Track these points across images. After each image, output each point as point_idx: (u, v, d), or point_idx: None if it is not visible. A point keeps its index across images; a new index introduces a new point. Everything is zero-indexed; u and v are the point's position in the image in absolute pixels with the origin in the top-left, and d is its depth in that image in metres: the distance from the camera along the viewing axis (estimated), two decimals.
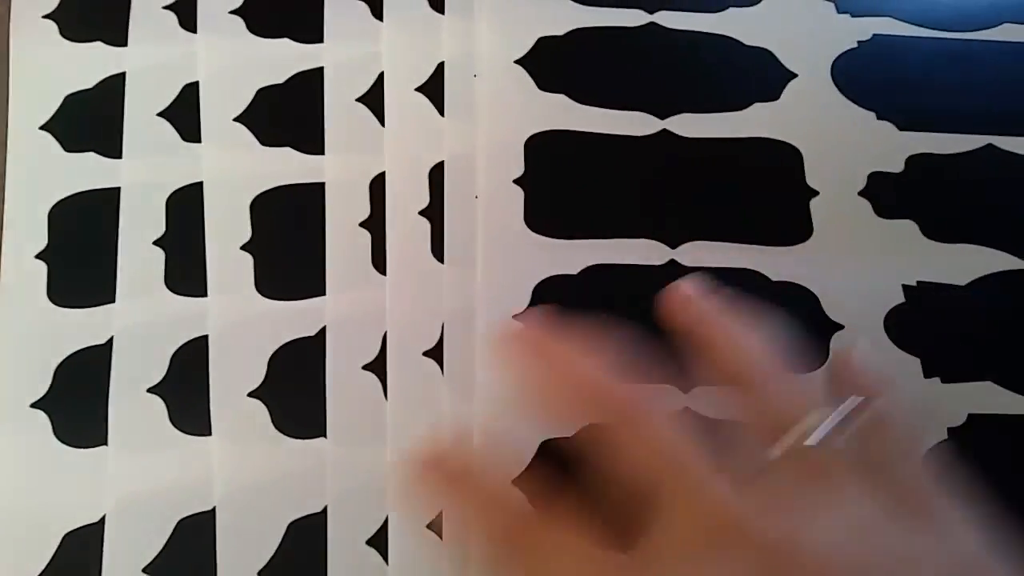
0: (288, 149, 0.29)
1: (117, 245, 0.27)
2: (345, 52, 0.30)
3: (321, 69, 0.30)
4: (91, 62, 0.30)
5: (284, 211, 0.28)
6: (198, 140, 0.29)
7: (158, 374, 0.26)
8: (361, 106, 0.29)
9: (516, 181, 0.28)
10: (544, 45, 0.30)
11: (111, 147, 0.29)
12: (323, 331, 0.27)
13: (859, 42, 0.31)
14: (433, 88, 0.29)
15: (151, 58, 0.30)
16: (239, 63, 0.30)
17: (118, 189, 0.28)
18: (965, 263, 0.28)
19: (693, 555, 0.17)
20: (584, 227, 0.28)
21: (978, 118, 0.30)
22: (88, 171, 0.28)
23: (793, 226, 0.28)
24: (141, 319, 0.27)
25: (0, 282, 0.27)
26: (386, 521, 0.25)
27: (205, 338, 0.26)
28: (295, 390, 0.26)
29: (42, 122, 0.29)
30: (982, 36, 0.31)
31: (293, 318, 0.27)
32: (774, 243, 0.28)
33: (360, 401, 0.26)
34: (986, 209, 0.29)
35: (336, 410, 0.26)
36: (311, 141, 0.29)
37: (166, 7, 0.30)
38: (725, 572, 0.17)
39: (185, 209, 0.28)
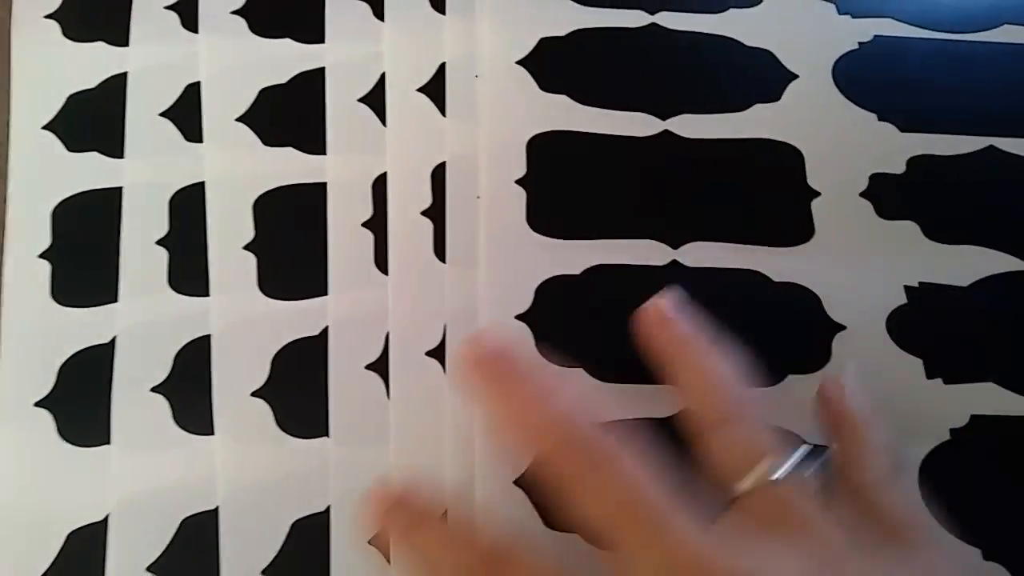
0: (290, 149, 0.29)
1: (120, 245, 0.27)
2: (347, 52, 0.30)
3: (323, 69, 0.30)
4: (93, 62, 0.30)
5: (286, 211, 0.28)
6: (200, 140, 0.29)
7: (161, 373, 0.26)
8: (363, 106, 0.29)
9: (518, 181, 0.28)
10: (546, 46, 0.30)
11: (114, 147, 0.29)
12: (326, 331, 0.27)
13: (860, 43, 0.31)
14: (435, 88, 0.29)
15: (153, 58, 0.30)
16: (241, 63, 0.30)
17: (121, 189, 0.28)
18: (967, 264, 0.28)
19: None
20: (586, 227, 0.28)
21: (979, 119, 0.30)
22: (91, 171, 0.28)
23: (795, 227, 0.28)
24: (144, 319, 0.27)
25: (3, 281, 0.27)
26: None
27: (208, 338, 0.26)
28: (298, 390, 0.26)
29: (45, 122, 0.29)
30: (983, 37, 0.31)
31: (296, 318, 0.27)
32: (776, 244, 0.28)
33: (363, 401, 0.26)
34: (988, 210, 0.29)
35: (339, 410, 0.26)
36: (313, 141, 0.29)
37: (168, 7, 0.30)
38: None
39: (188, 209, 0.28)
